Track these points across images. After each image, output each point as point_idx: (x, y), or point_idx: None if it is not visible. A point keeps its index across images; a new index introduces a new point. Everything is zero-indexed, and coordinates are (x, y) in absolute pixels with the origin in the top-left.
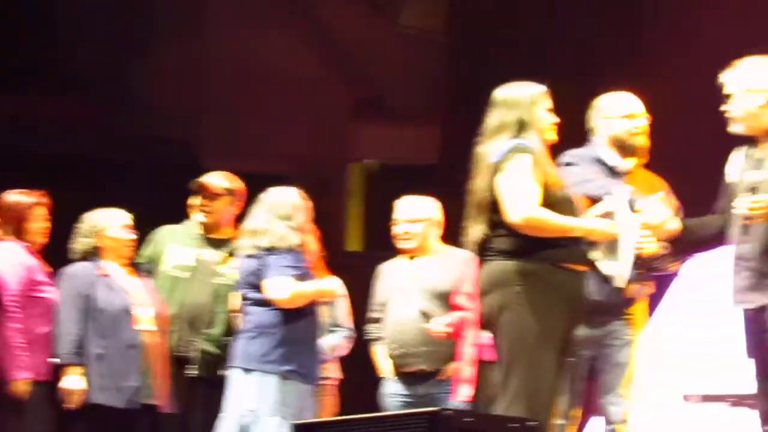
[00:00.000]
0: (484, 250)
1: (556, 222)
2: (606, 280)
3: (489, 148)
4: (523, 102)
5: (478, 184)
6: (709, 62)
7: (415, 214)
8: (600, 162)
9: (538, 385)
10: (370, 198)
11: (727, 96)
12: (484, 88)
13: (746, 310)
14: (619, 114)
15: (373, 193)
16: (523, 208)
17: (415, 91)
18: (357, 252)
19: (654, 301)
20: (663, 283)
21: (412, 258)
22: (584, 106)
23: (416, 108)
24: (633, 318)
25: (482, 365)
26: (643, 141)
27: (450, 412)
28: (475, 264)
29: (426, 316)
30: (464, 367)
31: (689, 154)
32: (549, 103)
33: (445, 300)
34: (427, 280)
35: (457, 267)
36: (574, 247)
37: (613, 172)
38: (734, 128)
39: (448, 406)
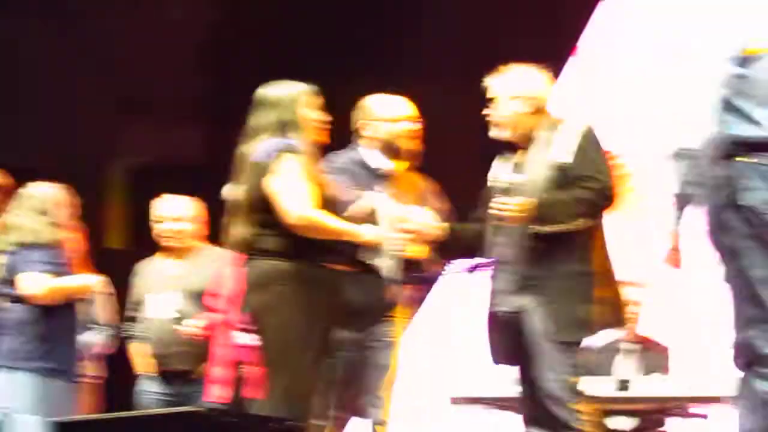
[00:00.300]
0: (248, 250)
1: (331, 225)
2: (369, 281)
3: (253, 148)
4: (284, 101)
5: (243, 184)
6: (473, 66)
7: (179, 212)
8: (363, 165)
9: (299, 385)
10: (132, 196)
11: (491, 100)
12: (250, 88)
13: (504, 313)
14: (385, 117)
15: (135, 191)
16: (299, 208)
17: (180, 91)
18: (118, 250)
19: (418, 303)
20: (427, 285)
21: (171, 257)
22: (351, 107)
23: (181, 108)
24: (395, 320)
25: (242, 366)
26: (409, 144)
27: (209, 412)
28: (233, 264)
29: (182, 316)
30: (217, 369)
31: (455, 157)
32: (315, 102)
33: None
34: (185, 280)
35: (215, 267)
36: (339, 248)
37: (376, 175)
38: (496, 133)
39: (203, 406)
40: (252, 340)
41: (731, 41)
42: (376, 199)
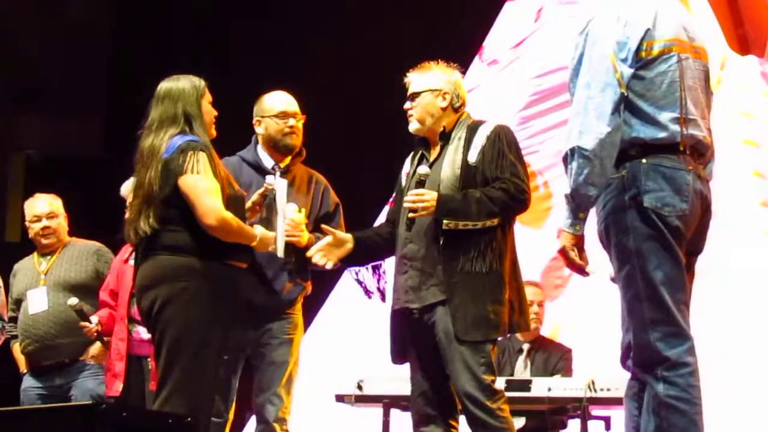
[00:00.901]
0: (150, 245)
1: (242, 229)
2: (265, 279)
3: (155, 142)
4: (187, 94)
5: (146, 178)
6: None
7: (51, 209)
8: (252, 162)
9: (198, 381)
10: (31, 189)
11: (412, 96)
12: (148, 80)
13: (412, 311)
14: (268, 113)
15: (34, 184)
16: (218, 210)
17: (78, 82)
18: (17, 243)
19: (317, 301)
20: (325, 283)
21: (47, 253)
22: (241, 103)
23: (79, 100)
24: (293, 317)
25: (136, 359)
26: (289, 140)
27: (106, 407)
28: (110, 257)
29: (61, 309)
30: (117, 363)
31: (351, 151)
32: (210, 96)
33: (80, 293)
34: (60, 275)
35: (91, 261)
36: (242, 245)
37: (265, 171)
38: (415, 127)
39: (86, 398)
40: (146, 334)
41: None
42: (276, 183)
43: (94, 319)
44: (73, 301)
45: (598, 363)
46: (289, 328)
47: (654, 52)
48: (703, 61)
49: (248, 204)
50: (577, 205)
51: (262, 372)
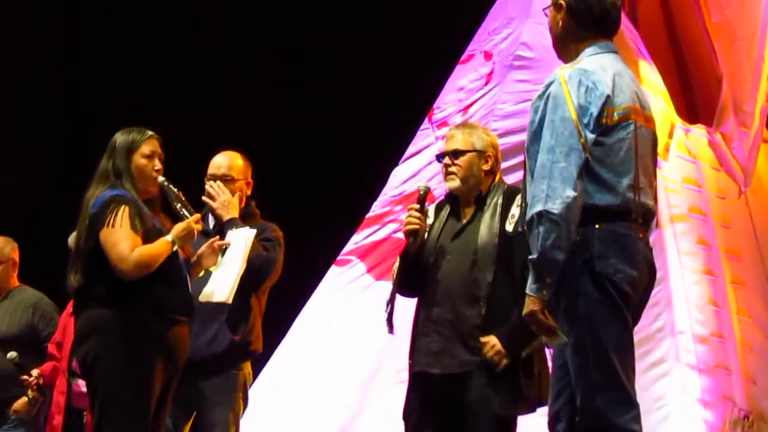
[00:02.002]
0: (79, 298)
1: (153, 250)
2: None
3: (88, 196)
4: (119, 149)
5: (78, 232)
6: None
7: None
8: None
9: None
10: None
11: (454, 153)
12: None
13: (428, 375)
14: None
15: None
16: (125, 256)
17: (24, 135)
18: None
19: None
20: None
21: None
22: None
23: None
24: (232, 377)
25: (76, 412)
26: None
27: None
28: (48, 310)
29: None
30: (56, 415)
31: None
32: (152, 149)
33: (10, 346)
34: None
35: (26, 314)
36: (177, 296)
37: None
38: (455, 185)
39: None
40: (87, 388)
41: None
42: (237, 233)
43: (35, 372)
44: (12, 354)
45: None
46: (224, 389)
47: (614, 118)
48: (652, 129)
49: (203, 248)
50: (544, 269)
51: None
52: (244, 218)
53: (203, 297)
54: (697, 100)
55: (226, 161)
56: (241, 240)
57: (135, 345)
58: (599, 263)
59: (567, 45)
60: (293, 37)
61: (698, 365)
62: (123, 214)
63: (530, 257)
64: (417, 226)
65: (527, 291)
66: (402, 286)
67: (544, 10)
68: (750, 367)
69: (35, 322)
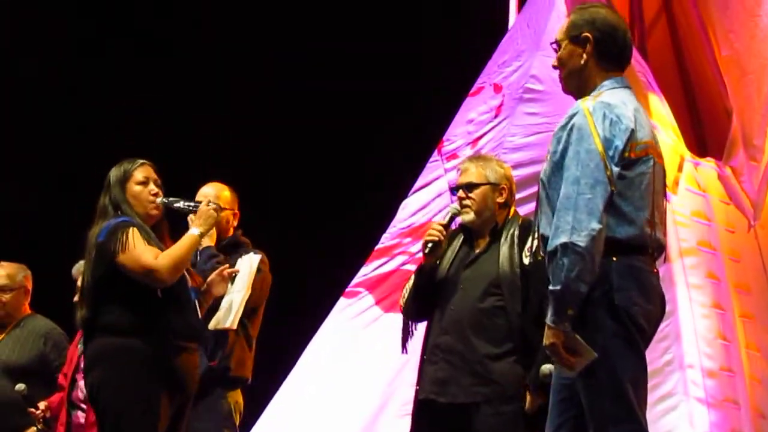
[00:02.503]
0: (89, 327)
1: (180, 249)
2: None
3: (93, 231)
4: (112, 183)
5: (86, 264)
6: None
7: (7, 282)
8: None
9: None
10: None
11: (469, 186)
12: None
13: (433, 403)
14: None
15: None
16: (152, 265)
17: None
18: None
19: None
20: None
21: None
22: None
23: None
24: (220, 403)
25: None
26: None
27: None
28: (60, 340)
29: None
30: None
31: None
32: (145, 175)
33: (20, 376)
34: (1, 356)
35: (38, 344)
36: (184, 322)
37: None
38: (470, 219)
39: None
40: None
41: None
42: (244, 260)
43: (42, 404)
44: (20, 387)
45: None
46: (204, 416)
47: (637, 152)
48: (662, 164)
49: (213, 276)
50: (567, 301)
51: None
52: (231, 247)
53: (213, 324)
54: (706, 134)
55: (213, 191)
56: (246, 266)
57: (140, 372)
58: (618, 296)
59: (585, 78)
60: (295, 72)
61: (707, 399)
62: (133, 234)
63: (552, 288)
64: (437, 238)
65: (548, 322)
66: (412, 305)
67: (551, 44)
68: (759, 402)
69: (47, 351)
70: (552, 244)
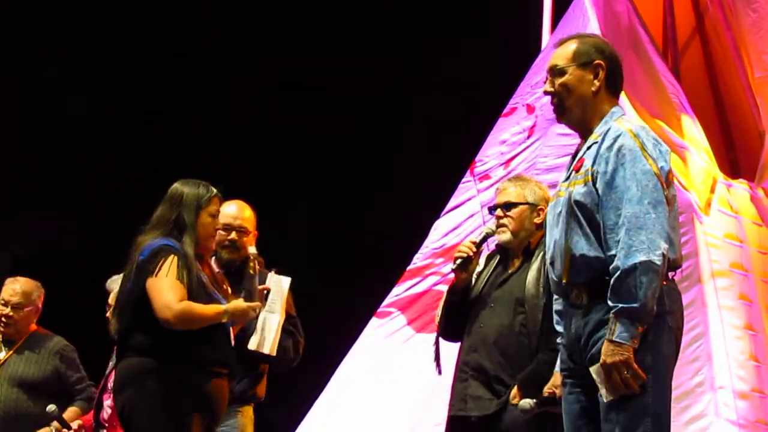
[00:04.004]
0: (122, 346)
1: (203, 311)
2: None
3: (141, 240)
4: (188, 201)
5: (124, 275)
6: None
7: (21, 300)
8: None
9: None
10: None
11: (507, 205)
12: (124, 178)
13: (465, 419)
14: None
15: None
16: (172, 304)
17: (55, 176)
18: None
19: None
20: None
21: (6, 341)
22: None
23: (57, 194)
24: (233, 415)
25: None
26: (229, 254)
27: None
28: (74, 356)
29: (11, 404)
30: None
31: None
32: (216, 206)
33: (34, 392)
34: (17, 370)
35: (54, 360)
36: (217, 349)
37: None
38: (506, 239)
39: None
40: None
41: None
42: (272, 280)
43: (75, 423)
44: (52, 407)
45: None
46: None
47: (671, 176)
48: None
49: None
50: (642, 318)
51: None
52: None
53: (252, 345)
54: (739, 156)
55: (238, 212)
56: (279, 289)
57: (172, 397)
58: (670, 318)
59: (593, 106)
60: (325, 85)
61: (738, 421)
62: (170, 262)
63: (626, 306)
64: (466, 254)
65: (617, 339)
66: (444, 323)
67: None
68: None
69: (63, 369)
70: (628, 262)
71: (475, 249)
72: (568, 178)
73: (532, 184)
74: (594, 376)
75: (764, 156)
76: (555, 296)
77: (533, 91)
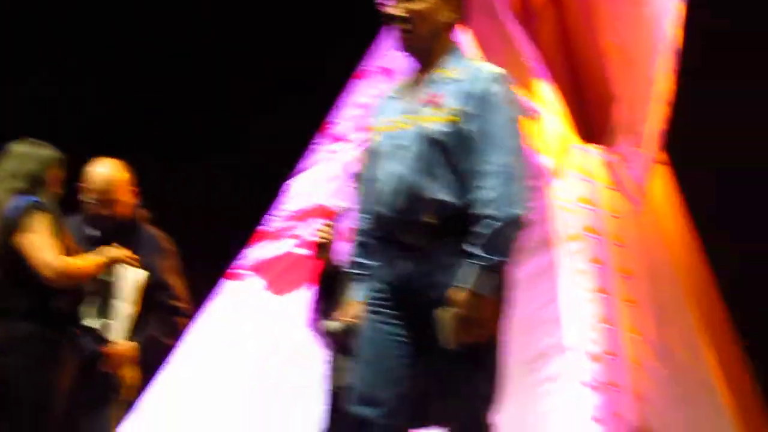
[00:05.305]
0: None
1: (83, 264)
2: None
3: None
4: (40, 159)
5: None
6: None
7: None
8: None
9: None
10: None
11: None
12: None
13: None
14: (85, 182)
15: None
16: (53, 260)
17: None
18: None
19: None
20: None
21: None
22: None
23: None
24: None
25: None
26: (99, 209)
27: None
28: None
29: None
30: None
31: None
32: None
33: None
34: None
35: None
36: (80, 307)
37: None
38: None
39: None
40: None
41: None
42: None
43: None
44: None
45: None
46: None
47: None
48: None
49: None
50: (501, 273)
51: None
52: (129, 227)
53: (98, 325)
54: (593, 121)
55: (106, 173)
56: (133, 279)
57: (46, 360)
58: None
59: (445, 39)
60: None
61: (590, 382)
62: (41, 220)
63: (497, 259)
64: (324, 240)
65: (479, 291)
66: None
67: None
68: (640, 385)
69: None
70: (510, 213)
71: (331, 233)
72: (410, 110)
73: None
74: (441, 321)
75: (616, 121)
76: (363, 228)
77: (389, 54)
